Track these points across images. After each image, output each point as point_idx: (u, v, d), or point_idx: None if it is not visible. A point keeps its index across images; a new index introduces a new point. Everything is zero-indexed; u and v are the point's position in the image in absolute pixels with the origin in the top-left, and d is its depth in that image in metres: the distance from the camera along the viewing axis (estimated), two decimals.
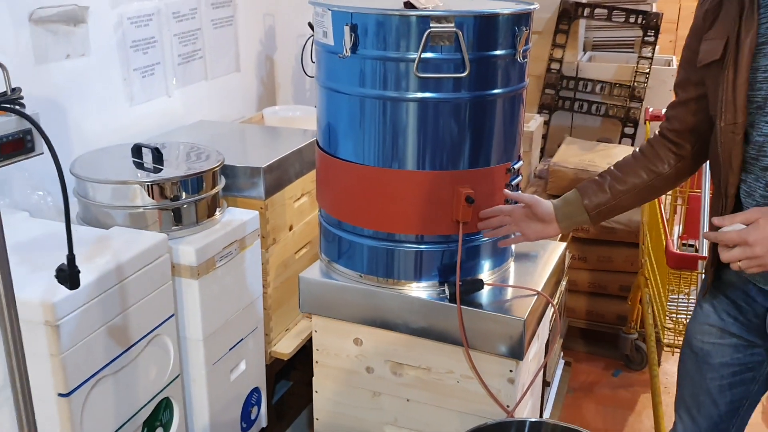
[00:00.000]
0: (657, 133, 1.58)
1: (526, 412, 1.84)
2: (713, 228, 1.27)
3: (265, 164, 2.14)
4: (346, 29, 1.57)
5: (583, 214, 1.60)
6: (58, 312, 1.45)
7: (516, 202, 1.70)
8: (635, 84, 3.62)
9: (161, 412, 1.84)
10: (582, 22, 3.83)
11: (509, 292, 1.76)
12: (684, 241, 2.95)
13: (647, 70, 3.60)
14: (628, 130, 3.68)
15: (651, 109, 2.73)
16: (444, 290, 1.71)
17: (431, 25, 1.52)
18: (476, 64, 1.57)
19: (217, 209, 2.01)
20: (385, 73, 1.60)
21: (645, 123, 2.78)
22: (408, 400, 1.81)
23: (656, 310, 2.40)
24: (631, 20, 3.69)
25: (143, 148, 2.00)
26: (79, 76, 2.17)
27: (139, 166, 1.97)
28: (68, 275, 1.20)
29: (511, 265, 1.88)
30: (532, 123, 3.17)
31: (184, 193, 1.90)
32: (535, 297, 1.72)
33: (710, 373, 1.50)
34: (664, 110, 2.77)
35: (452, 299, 1.68)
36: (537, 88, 3.75)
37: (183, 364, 1.93)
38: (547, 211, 1.64)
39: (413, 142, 1.64)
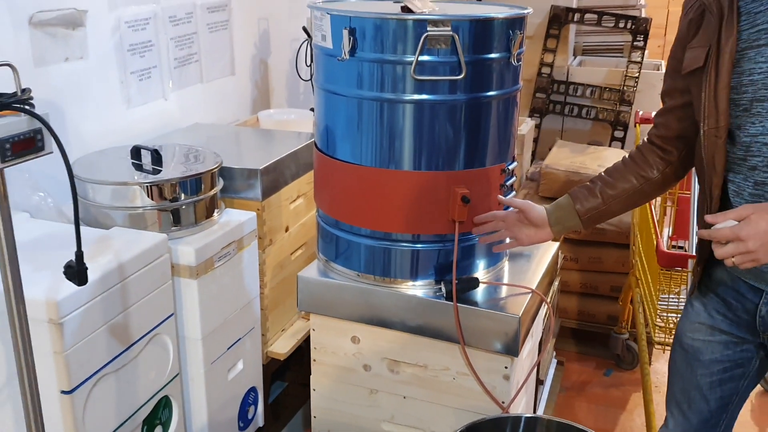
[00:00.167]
0: (645, 139, 1.62)
1: (521, 408, 1.88)
2: (706, 226, 1.30)
3: (262, 166, 2.16)
4: (345, 33, 1.60)
5: (575, 219, 1.64)
6: (61, 310, 1.47)
7: (509, 208, 1.74)
8: (625, 88, 3.67)
9: (161, 410, 1.86)
10: (572, 27, 3.88)
11: (504, 291, 1.79)
12: (674, 242, 3.00)
13: (636, 75, 3.66)
14: (618, 134, 3.73)
15: (641, 113, 2.77)
16: (440, 288, 1.74)
17: (428, 28, 1.56)
18: (472, 66, 1.61)
19: (216, 210, 2.03)
20: (382, 76, 1.63)
21: (635, 126, 2.83)
22: (405, 397, 1.84)
23: (647, 309, 2.44)
24: (621, 25, 3.75)
25: (142, 150, 2.02)
26: (78, 78, 2.19)
27: (138, 167, 1.99)
28: (76, 272, 1.22)
29: (506, 265, 1.91)
30: (524, 126, 3.21)
31: (183, 195, 1.92)
32: (530, 295, 1.76)
33: (701, 369, 1.54)
34: (653, 113, 2.83)
35: (449, 297, 1.71)
36: (528, 92, 3.80)
37: (182, 363, 1.95)
38: (539, 216, 1.68)
39: (410, 143, 1.67)
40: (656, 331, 2.34)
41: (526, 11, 1.70)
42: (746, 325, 1.46)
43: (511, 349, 1.69)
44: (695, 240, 1.69)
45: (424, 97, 1.63)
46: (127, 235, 1.77)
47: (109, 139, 2.31)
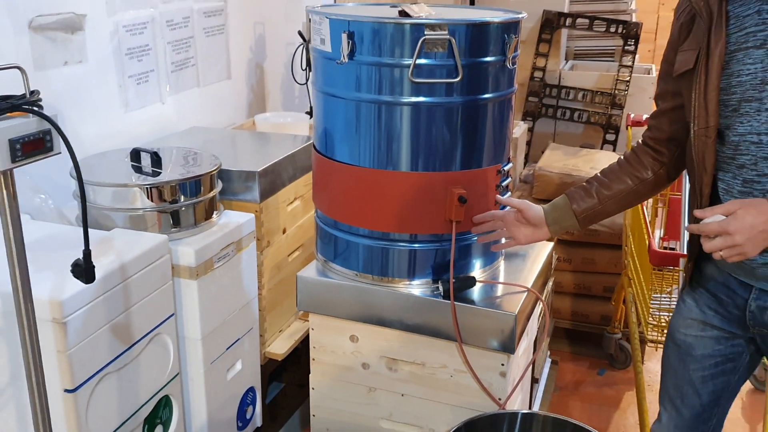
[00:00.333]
0: (640, 141, 1.66)
1: (517, 406, 1.90)
2: (695, 221, 1.34)
3: (259, 168, 2.19)
4: (344, 36, 1.63)
5: (571, 219, 1.67)
6: (65, 309, 1.49)
7: (506, 207, 1.77)
8: (616, 92, 3.72)
9: (161, 409, 1.88)
10: (564, 32, 3.93)
11: (500, 289, 1.82)
12: (665, 243, 3.04)
13: (628, 78, 3.71)
14: (610, 137, 3.77)
15: (632, 115, 2.81)
16: (437, 287, 1.77)
17: (426, 32, 1.59)
18: (468, 69, 1.64)
19: (215, 212, 2.05)
20: (380, 79, 1.66)
21: (627, 128, 2.86)
22: (403, 395, 1.87)
23: (640, 308, 2.48)
24: (612, 30, 3.80)
25: (141, 153, 2.05)
26: (77, 82, 2.22)
27: (138, 170, 2.01)
28: (84, 270, 1.24)
29: (502, 264, 1.94)
30: (517, 130, 3.25)
31: (182, 196, 1.95)
32: (525, 293, 1.79)
33: (693, 364, 1.58)
34: (645, 116, 2.87)
35: (446, 296, 1.74)
36: (521, 96, 3.84)
37: (182, 363, 1.97)
38: (537, 216, 1.71)
39: (407, 144, 1.70)
40: (649, 329, 2.37)
41: (520, 15, 1.73)
42: (736, 320, 1.50)
43: (508, 347, 1.72)
44: (686, 239, 1.72)
45: (421, 99, 1.66)
46: (128, 236, 1.79)
47: (107, 142, 2.33)
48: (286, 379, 2.78)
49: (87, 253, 1.25)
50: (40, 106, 1.14)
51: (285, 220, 2.38)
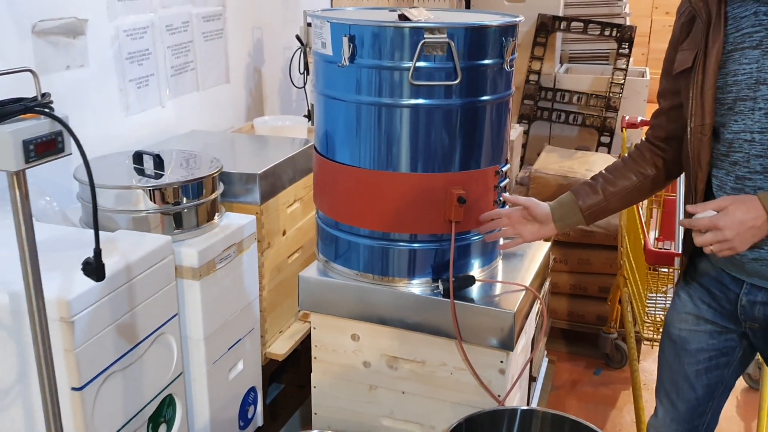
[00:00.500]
0: (643, 139, 1.71)
1: (515, 403, 1.93)
2: (688, 216, 1.38)
3: (260, 171, 2.22)
4: (345, 40, 1.66)
5: (577, 215, 1.70)
6: (72, 309, 1.51)
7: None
8: (611, 94, 3.75)
9: (165, 408, 1.90)
10: (559, 35, 3.97)
11: (499, 288, 1.85)
12: (660, 243, 3.08)
13: (622, 81, 3.74)
14: (605, 139, 3.81)
15: (627, 117, 2.85)
16: (437, 286, 1.80)
17: (425, 36, 1.62)
18: (467, 72, 1.67)
19: (216, 214, 2.08)
20: (380, 81, 1.69)
21: (622, 130, 2.90)
22: (403, 393, 1.90)
23: (636, 307, 2.51)
24: (606, 33, 3.84)
25: (144, 155, 2.07)
26: (78, 86, 2.24)
27: (140, 172, 2.04)
28: (95, 268, 1.27)
29: (500, 263, 1.97)
30: (513, 132, 3.27)
31: (185, 198, 1.97)
32: (524, 292, 1.82)
33: (687, 358, 1.62)
34: (639, 118, 2.91)
35: (446, 294, 1.77)
36: (516, 99, 3.87)
37: (184, 363, 1.99)
38: (544, 213, 1.74)
39: (407, 146, 1.73)
40: (645, 328, 2.41)
41: (517, 19, 1.77)
42: (729, 314, 1.54)
43: (507, 344, 1.75)
44: (681, 234, 1.76)
45: (420, 101, 1.69)
46: (132, 237, 1.82)
47: (108, 145, 2.35)
48: (286, 380, 2.81)
49: (97, 251, 1.28)
50: (52, 108, 1.17)
51: (285, 222, 2.41)
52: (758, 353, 1.62)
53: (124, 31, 2.40)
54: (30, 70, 1.17)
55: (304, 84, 3.26)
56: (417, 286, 1.83)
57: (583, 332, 3.20)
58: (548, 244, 2.13)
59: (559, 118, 3.89)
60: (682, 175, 1.63)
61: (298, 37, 3.17)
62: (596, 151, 3.78)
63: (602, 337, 3.10)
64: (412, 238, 1.81)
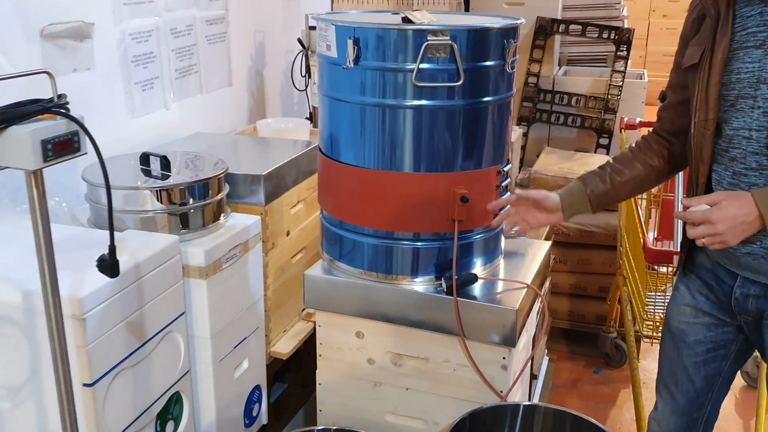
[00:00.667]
0: (651, 130, 1.75)
1: (517, 399, 1.96)
2: (684, 209, 1.42)
3: (265, 172, 2.25)
4: (350, 42, 1.70)
5: (585, 203, 1.73)
6: (84, 306, 1.54)
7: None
8: (609, 96, 3.79)
9: (172, 406, 1.93)
10: (557, 38, 4.01)
11: (501, 286, 1.89)
12: (659, 243, 3.11)
13: (620, 83, 3.78)
14: (603, 141, 3.85)
15: (626, 119, 2.89)
16: (440, 284, 1.84)
17: (428, 38, 1.65)
18: (469, 73, 1.71)
19: (222, 214, 2.11)
20: (384, 83, 1.73)
21: (621, 131, 2.94)
22: (407, 389, 1.93)
23: (635, 305, 2.54)
24: (604, 36, 3.88)
25: (151, 157, 2.10)
26: (85, 89, 2.27)
27: (147, 173, 2.07)
28: (109, 264, 1.30)
29: (501, 262, 2.01)
30: (512, 134, 3.31)
31: (191, 199, 2.00)
32: (525, 289, 1.85)
33: (686, 350, 1.65)
34: (638, 119, 2.94)
35: (449, 292, 1.80)
36: (515, 102, 3.90)
37: (191, 361, 2.02)
38: (554, 203, 1.75)
39: (411, 146, 1.76)
40: (644, 326, 2.44)
41: (519, 21, 1.80)
42: (725, 307, 1.58)
43: (509, 340, 1.78)
44: (680, 233, 1.80)
45: (424, 102, 1.72)
46: (141, 237, 1.85)
47: (114, 147, 2.38)
48: (289, 379, 2.84)
49: (112, 248, 1.31)
50: (68, 109, 1.20)
51: (288, 222, 2.44)
52: (756, 350, 1.66)
53: (129, 35, 2.43)
54: (47, 72, 1.21)
55: (306, 87, 3.30)
56: (420, 284, 1.86)
57: (583, 332, 3.24)
58: (548, 244, 2.16)
59: (558, 120, 3.92)
60: (681, 173, 1.67)
61: (299, 41, 3.20)
62: (595, 152, 3.82)
63: (602, 336, 3.13)
64: (415, 237, 1.84)
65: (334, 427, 1.96)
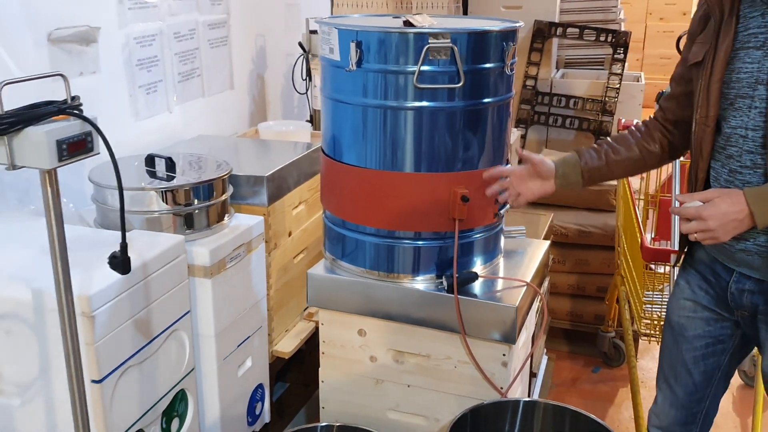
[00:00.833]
0: (652, 117, 1.78)
1: (517, 396, 2.00)
2: (680, 204, 1.46)
3: (267, 173, 2.28)
4: (352, 46, 1.74)
5: (578, 175, 1.76)
6: (93, 304, 1.58)
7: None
8: (606, 99, 3.83)
9: (177, 403, 1.96)
10: (555, 41, 4.04)
11: (501, 284, 1.92)
12: (656, 243, 3.15)
13: (617, 86, 3.82)
14: None
15: (623, 120, 2.93)
16: (441, 282, 1.87)
17: (429, 41, 1.69)
18: (470, 75, 1.74)
19: (226, 215, 2.14)
20: (386, 85, 1.76)
21: (618, 132, 2.97)
22: (409, 386, 1.96)
23: (633, 304, 2.58)
24: (602, 39, 3.91)
25: (156, 158, 2.14)
26: (91, 92, 2.29)
27: (152, 174, 2.10)
28: (121, 261, 1.33)
29: (501, 261, 2.04)
30: (510, 137, 3.35)
31: (196, 200, 2.04)
32: (525, 287, 1.89)
33: (685, 344, 1.69)
34: (635, 121, 2.98)
35: (450, 290, 1.83)
36: (513, 104, 3.94)
37: (196, 359, 2.05)
38: (549, 169, 1.77)
39: (412, 147, 1.80)
40: (642, 324, 2.47)
41: (517, 24, 1.84)
42: (723, 302, 1.62)
43: (509, 338, 1.81)
44: (678, 232, 1.84)
45: (425, 104, 1.76)
46: (147, 237, 1.88)
47: (118, 150, 2.36)
48: (291, 379, 2.87)
49: (124, 246, 1.34)
50: (81, 110, 1.24)
51: (290, 223, 2.47)
52: (755, 347, 1.69)
53: (133, 39, 2.47)
54: (61, 75, 1.24)
55: (306, 90, 3.33)
56: (422, 283, 1.90)
57: (581, 331, 3.27)
58: (547, 243, 2.20)
59: (556, 122, 3.96)
60: (678, 171, 1.71)
61: (300, 44, 3.24)
62: None
63: (600, 336, 3.16)
64: (416, 236, 1.87)
65: (337, 424, 1.99)
